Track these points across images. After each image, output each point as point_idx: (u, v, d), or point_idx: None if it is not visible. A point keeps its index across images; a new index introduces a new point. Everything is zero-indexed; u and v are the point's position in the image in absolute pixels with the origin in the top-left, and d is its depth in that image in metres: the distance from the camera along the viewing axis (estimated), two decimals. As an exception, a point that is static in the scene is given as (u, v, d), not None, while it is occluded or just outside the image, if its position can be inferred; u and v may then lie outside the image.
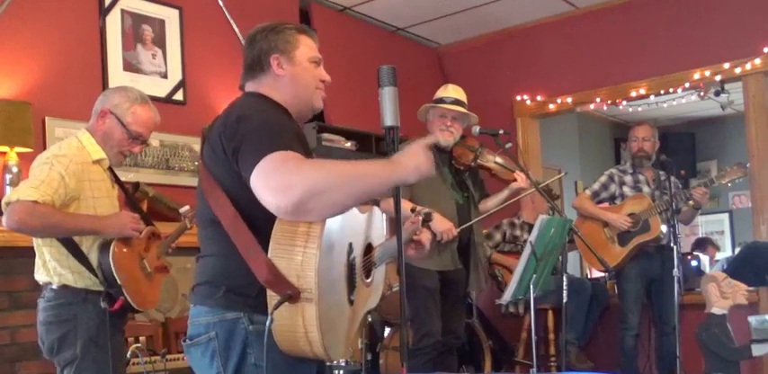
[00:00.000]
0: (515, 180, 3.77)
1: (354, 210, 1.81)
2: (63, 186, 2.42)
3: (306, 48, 1.89)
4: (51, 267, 2.50)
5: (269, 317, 1.56)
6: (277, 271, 1.55)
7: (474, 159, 3.75)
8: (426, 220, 2.17)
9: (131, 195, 2.77)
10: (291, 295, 1.53)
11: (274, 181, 1.54)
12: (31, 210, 2.33)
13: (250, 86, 1.89)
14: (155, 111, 2.71)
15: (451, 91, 3.72)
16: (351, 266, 1.78)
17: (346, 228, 1.76)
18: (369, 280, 1.91)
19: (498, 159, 3.83)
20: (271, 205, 1.54)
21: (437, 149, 3.64)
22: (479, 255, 3.76)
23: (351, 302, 1.77)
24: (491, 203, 3.87)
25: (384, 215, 2.07)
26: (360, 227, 1.88)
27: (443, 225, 3.42)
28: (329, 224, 1.60)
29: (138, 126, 2.63)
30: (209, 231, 1.76)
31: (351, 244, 1.78)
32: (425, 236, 2.13)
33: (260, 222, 1.61)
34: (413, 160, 1.60)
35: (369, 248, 1.92)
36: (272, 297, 1.56)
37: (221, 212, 1.68)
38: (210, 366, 1.72)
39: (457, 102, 3.67)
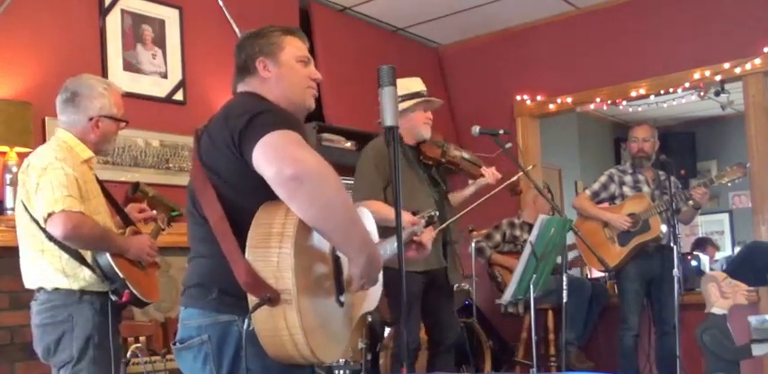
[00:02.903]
0: (482, 175, 3.60)
1: None
2: (79, 190, 2.43)
3: (292, 48, 1.89)
4: (42, 273, 2.48)
5: (246, 321, 1.55)
6: (255, 275, 1.54)
7: (443, 155, 3.56)
8: (430, 223, 2.15)
9: (110, 194, 2.75)
10: (271, 298, 1.52)
11: (285, 150, 1.56)
12: (83, 221, 2.35)
13: (241, 88, 1.91)
14: (117, 86, 2.75)
15: (420, 83, 3.52)
16: (337, 263, 1.75)
17: None
18: None
19: (465, 154, 3.64)
20: (271, 169, 1.54)
21: (408, 146, 3.48)
22: (455, 250, 3.60)
23: (341, 303, 1.73)
24: (456, 200, 3.68)
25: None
26: None
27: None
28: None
29: (120, 108, 2.69)
30: (199, 231, 1.74)
31: None
32: (426, 237, 2.11)
33: (246, 226, 1.59)
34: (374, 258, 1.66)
35: None
36: (252, 301, 1.54)
37: (210, 212, 1.67)
38: (203, 370, 1.70)
39: (428, 93, 3.52)
